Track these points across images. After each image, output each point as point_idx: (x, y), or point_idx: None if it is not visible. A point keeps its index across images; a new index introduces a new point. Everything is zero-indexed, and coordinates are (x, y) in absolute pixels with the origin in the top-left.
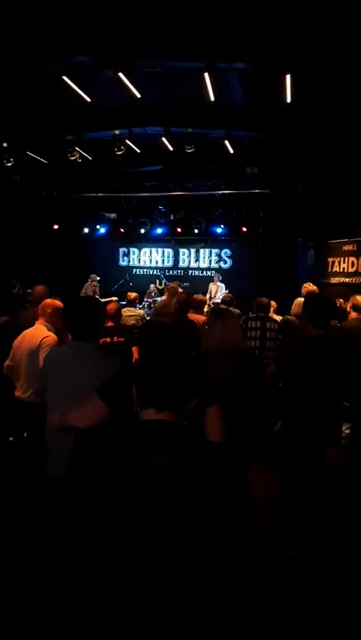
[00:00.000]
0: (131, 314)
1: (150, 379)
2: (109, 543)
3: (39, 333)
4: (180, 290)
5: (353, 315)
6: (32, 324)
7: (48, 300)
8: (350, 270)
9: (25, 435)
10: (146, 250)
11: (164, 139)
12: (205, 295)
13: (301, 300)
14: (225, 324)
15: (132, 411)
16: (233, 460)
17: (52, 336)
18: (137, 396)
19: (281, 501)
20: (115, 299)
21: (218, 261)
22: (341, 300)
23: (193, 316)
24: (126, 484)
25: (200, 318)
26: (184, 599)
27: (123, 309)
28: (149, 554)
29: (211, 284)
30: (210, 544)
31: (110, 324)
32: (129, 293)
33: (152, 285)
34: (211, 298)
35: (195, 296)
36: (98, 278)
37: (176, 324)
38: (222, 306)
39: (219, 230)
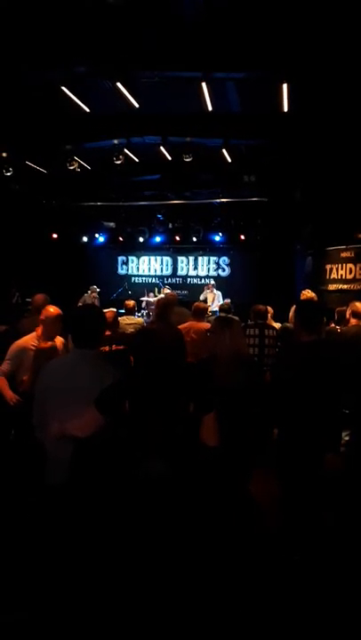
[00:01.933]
0: (130, 322)
1: (141, 388)
2: (108, 549)
3: None
4: (165, 293)
5: (353, 321)
6: (31, 333)
7: (46, 308)
8: (348, 277)
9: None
10: (145, 258)
11: (162, 148)
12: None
13: None
14: (233, 332)
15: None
16: (232, 463)
17: (13, 345)
18: (129, 407)
19: (280, 506)
20: (113, 310)
21: (216, 269)
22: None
23: (196, 324)
24: (124, 491)
25: (204, 325)
26: (183, 602)
27: (122, 317)
28: (148, 558)
29: (207, 291)
30: (208, 546)
31: (108, 332)
32: (127, 302)
33: (151, 294)
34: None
35: (196, 304)
36: (98, 290)
37: (158, 328)
38: (222, 313)
39: (217, 238)
